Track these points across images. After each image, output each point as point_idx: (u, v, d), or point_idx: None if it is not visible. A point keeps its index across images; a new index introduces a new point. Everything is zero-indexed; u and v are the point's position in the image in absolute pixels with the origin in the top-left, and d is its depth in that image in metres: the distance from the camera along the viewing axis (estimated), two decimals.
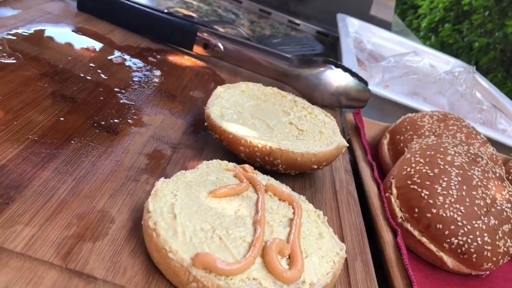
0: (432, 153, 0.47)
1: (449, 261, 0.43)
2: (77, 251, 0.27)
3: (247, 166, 0.37)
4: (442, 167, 0.46)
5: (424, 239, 0.44)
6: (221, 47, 0.63)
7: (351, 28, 1.08)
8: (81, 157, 0.35)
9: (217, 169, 0.36)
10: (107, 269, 0.27)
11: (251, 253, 0.28)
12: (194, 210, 0.31)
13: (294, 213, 0.34)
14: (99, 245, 0.28)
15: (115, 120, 0.42)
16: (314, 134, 0.45)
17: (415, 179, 0.46)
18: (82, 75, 0.47)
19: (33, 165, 0.33)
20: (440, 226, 0.43)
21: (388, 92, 0.69)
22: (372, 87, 0.67)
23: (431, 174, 0.45)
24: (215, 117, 0.43)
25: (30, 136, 0.35)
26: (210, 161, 0.37)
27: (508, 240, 0.44)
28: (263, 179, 0.37)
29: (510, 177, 0.59)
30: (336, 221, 0.40)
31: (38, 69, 0.45)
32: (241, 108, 0.46)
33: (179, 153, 0.41)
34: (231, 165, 0.37)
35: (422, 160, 0.47)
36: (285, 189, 0.37)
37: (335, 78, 0.63)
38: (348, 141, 0.57)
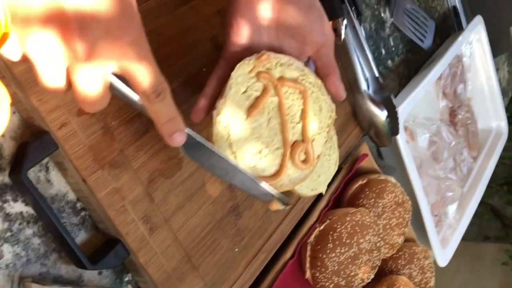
0: (358, 230, 0.73)
1: (308, 276, 0.73)
2: (157, 182, 0.53)
3: (263, 57, 0.46)
4: (352, 241, 0.72)
5: (308, 258, 0.72)
6: None
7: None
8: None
9: (243, 77, 0.47)
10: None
11: (283, 164, 0.48)
12: (242, 138, 0.46)
13: (304, 103, 0.49)
14: (170, 182, 0.54)
15: None
16: (314, 173, 0.67)
17: (335, 234, 0.72)
18: None
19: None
20: (319, 263, 0.71)
21: (403, 148, 0.88)
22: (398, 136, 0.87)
23: (343, 240, 0.72)
24: None
25: (180, 80, 0.56)
26: (234, 72, 0.46)
27: None
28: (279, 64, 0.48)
29: (395, 255, 0.86)
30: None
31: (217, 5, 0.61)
32: None
33: None
34: (251, 64, 0.47)
35: (349, 228, 0.72)
36: (295, 71, 0.49)
37: (379, 116, 0.82)
38: (340, 168, 0.80)
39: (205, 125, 0.48)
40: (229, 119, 0.46)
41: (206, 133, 0.46)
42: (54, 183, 0.49)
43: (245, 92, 0.47)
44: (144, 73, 0.36)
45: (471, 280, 2.32)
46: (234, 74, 0.46)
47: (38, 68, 0.33)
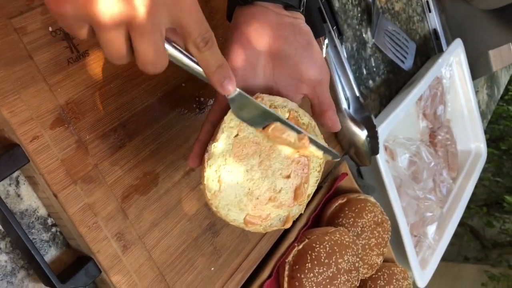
0: (336, 249, 0.72)
1: None
2: (132, 199, 0.52)
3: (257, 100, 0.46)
4: (331, 261, 0.71)
5: (286, 278, 0.71)
6: None
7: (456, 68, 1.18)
8: (170, 129, 0.57)
9: (236, 121, 0.46)
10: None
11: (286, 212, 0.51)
12: (234, 181, 0.46)
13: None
14: (145, 199, 0.53)
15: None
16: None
17: (314, 253, 0.71)
18: None
19: (146, 123, 0.54)
20: (297, 284, 0.70)
21: (383, 168, 0.88)
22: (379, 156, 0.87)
23: (322, 260, 0.71)
24: None
25: (158, 94, 0.55)
26: (227, 116, 0.46)
27: None
28: (273, 106, 0.47)
29: (374, 275, 0.86)
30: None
31: None
32: None
33: None
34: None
35: (327, 247, 0.72)
36: (288, 113, 0.48)
37: (359, 135, 0.82)
38: (320, 187, 0.79)
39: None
40: (220, 163, 0.46)
41: (199, 176, 0.46)
42: (24, 197, 0.47)
43: (237, 135, 0.46)
44: (193, 22, 0.37)
45: None
46: (227, 118, 0.45)
47: (101, 37, 0.35)
